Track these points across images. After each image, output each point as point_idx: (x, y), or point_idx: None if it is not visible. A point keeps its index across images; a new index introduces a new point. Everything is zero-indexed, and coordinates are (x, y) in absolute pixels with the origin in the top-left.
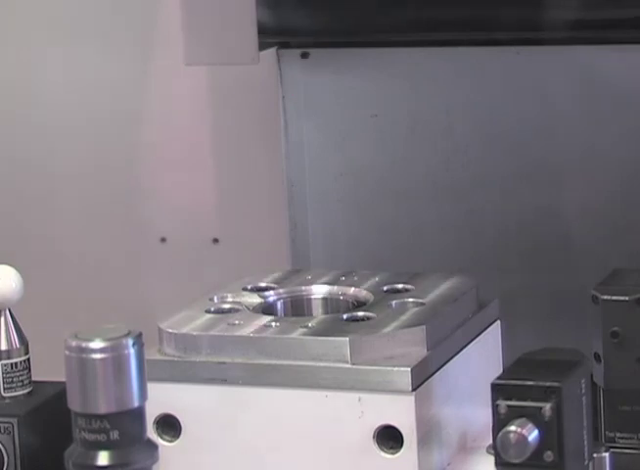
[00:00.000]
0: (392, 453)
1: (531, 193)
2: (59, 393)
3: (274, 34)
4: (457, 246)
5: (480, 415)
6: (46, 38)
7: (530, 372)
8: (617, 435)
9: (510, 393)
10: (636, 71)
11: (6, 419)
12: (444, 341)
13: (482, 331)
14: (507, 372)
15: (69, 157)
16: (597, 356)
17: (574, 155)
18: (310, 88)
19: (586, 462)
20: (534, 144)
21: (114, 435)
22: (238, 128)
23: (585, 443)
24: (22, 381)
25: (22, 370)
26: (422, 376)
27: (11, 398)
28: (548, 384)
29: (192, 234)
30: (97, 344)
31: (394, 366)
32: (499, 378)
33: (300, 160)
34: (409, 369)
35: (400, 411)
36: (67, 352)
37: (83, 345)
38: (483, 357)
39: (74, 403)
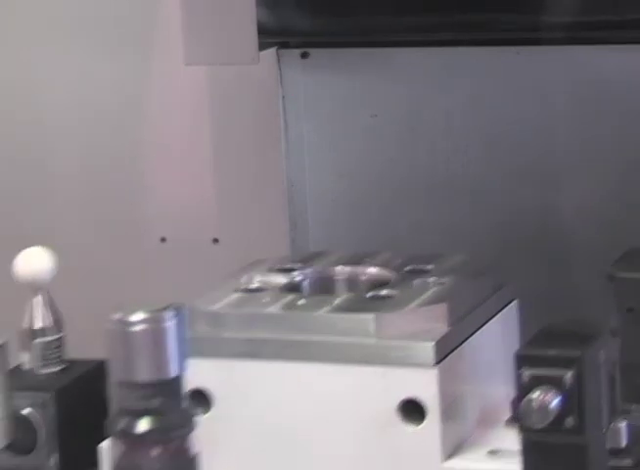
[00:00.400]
0: (416, 426)
1: (531, 193)
2: (91, 370)
3: (274, 34)
4: (457, 246)
5: (499, 390)
6: (46, 38)
7: (552, 342)
8: (633, 407)
9: (533, 362)
10: (636, 71)
11: (41, 394)
12: (465, 318)
13: (501, 310)
14: (530, 342)
15: (69, 157)
16: (613, 332)
17: (574, 155)
18: (310, 88)
19: (604, 430)
20: (534, 144)
21: (155, 403)
22: (238, 128)
23: (604, 411)
24: (56, 358)
25: (57, 348)
26: (444, 351)
27: (45, 374)
28: (570, 353)
29: (192, 234)
30: (139, 316)
31: (418, 341)
32: (522, 348)
33: (300, 160)
34: (432, 344)
35: (423, 385)
36: (110, 325)
37: (126, 317)
38: (502, 335)
39: (117, 373)
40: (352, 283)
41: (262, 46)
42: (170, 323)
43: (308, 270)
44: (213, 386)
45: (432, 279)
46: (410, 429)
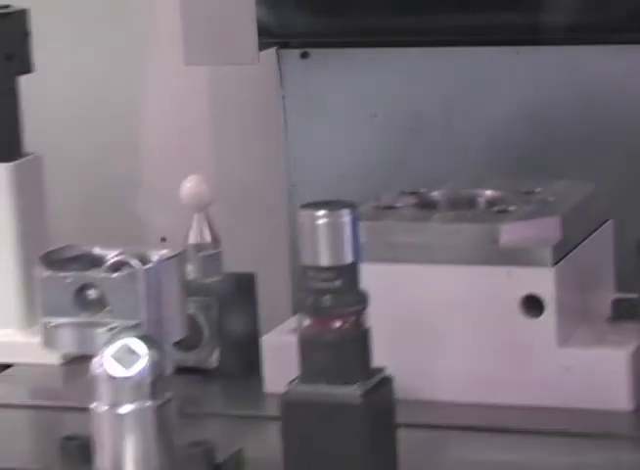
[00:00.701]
0: (535, 318)
1: None
2: (244, 280)
3: (274, 34)
4: None
5: (601, 293)
6: (45, 38)
7: None
8: None
9: None
10: (636, 72)
11: (206, 298)
12: (574, 229)
13: (599, 226)
14: None
15: (69, 157)
16: None
17: (574, 154)
18: (310, 88)
19: None
20: (534, 144)
21: (337, 283)
22: (238, 128)
23: None
24: (215, 269)
25: (216, 260)
26: (559, 254)
27: (207, 282)
28: None
29: None
30: (322, 212)
31: (538, 246)
32: None
33: (300, 160)
34: (550, 248)
35: (542, 282)
36: (300, 220)
37: (312, 213)
38: (600, 248)
39: (306, 258)
40: (474, 202)
41: (262, 46)
42: (347, 218)
43: (435, 192)
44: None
45: (544, 197)
46: (530, 321)
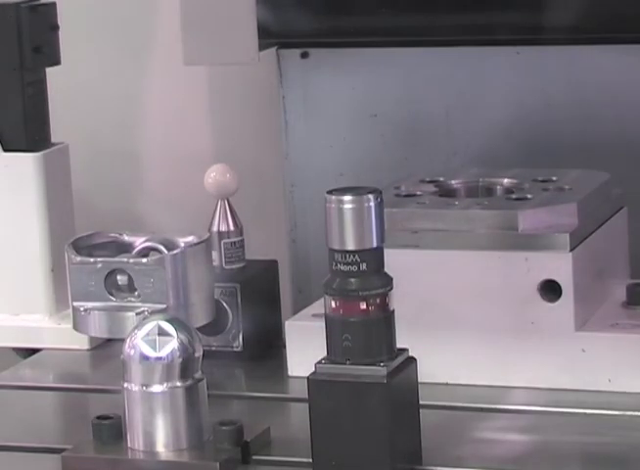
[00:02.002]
0: (553, 302)
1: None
2: (267, 267)
3: (274, 34)
4: None
5: (616, 279)
6: None
7: None
8: None
9: None
10: (636, 71)
11: (230, 284)
12: (590, 217)
13: (614, 214)
14: None
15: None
16: None
17: (575, 154)
18: (310, 88)
19: None
20: (535, 144)
21: (362, 266)
22: (238, 128)
23: None
24: (238, 256)
25: (239, 248)
26: (576, 240)
27: (230, 269)
28: None
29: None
30: (348, 197)
31: (556, 232)
32: None
33: (300, 160)
34: (568, 234)
35: (560, 267)
36: (327, 204)
37: (339, 198)
38: (615, 235)
39: (333, 243)
40: (492, 190)
41: (262, 46)
42: (373, 204)
43: (453, 181)
44: (391, 270)
45: (559, 185)
46: (548, 305)
